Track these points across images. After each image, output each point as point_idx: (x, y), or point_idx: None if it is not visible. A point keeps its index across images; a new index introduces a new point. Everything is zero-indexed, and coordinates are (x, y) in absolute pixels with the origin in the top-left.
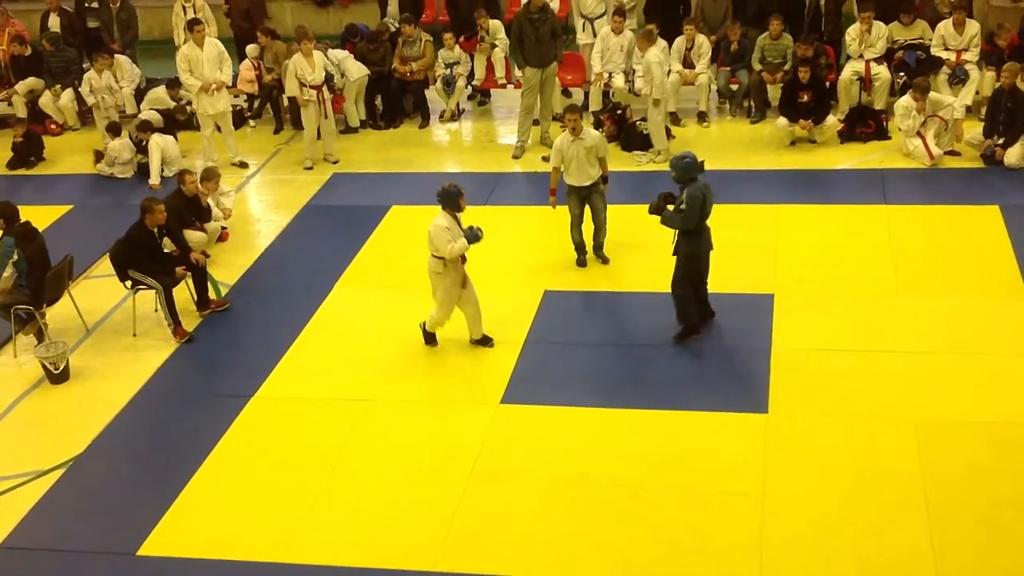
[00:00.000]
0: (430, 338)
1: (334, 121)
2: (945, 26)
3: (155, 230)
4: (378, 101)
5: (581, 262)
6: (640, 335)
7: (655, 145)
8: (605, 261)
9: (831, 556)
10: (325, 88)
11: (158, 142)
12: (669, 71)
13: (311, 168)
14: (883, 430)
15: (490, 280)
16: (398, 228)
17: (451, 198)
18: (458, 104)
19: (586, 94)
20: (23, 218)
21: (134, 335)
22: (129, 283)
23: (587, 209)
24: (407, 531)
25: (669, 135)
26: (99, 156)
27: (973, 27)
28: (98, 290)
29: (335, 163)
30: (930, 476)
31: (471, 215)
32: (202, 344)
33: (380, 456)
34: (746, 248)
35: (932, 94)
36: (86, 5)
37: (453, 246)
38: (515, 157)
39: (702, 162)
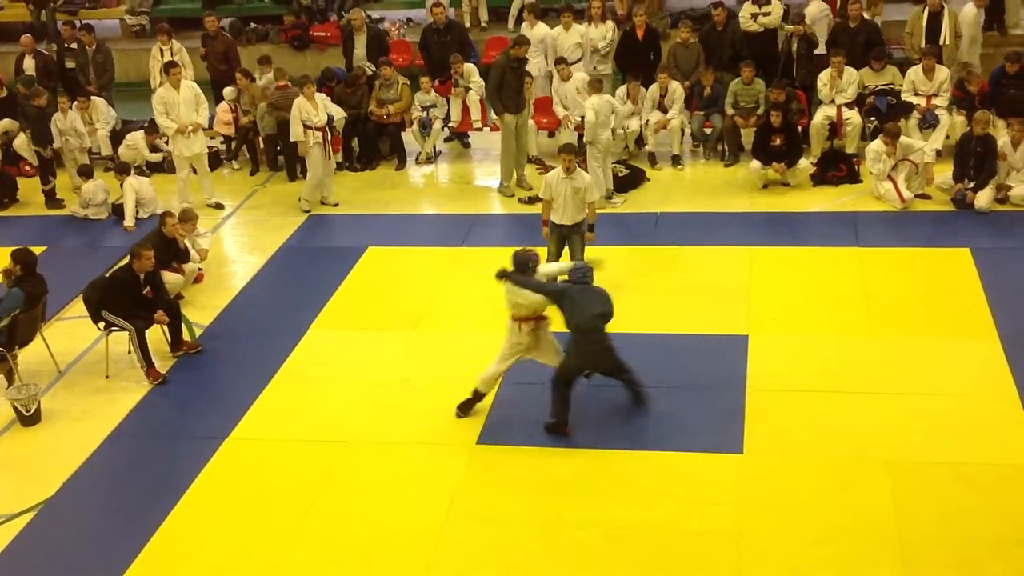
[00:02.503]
0: (467, 406)
1: (332, 164)
2: (915, 71)
3: (141, 276)
4: (355, 143)
5: None
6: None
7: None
8: None
9: None
10: (327, 129)
11: (133, 184)
12: (641, 117)
13: (309, 211)
14: (857, 471)
15: (466, 320)
16: (374, 269)
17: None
18: (435, 146)
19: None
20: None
21: (107, 377)
22: (102, 324)
23: (566, 250)
24: (383, 572)
25: (638, 178)
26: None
27: (943, 73)
28: (71, 332)
29: (335, 206)
30: (904, 517)
31: (450, 255)
32: (176, 385)
33: (355, 498)
34: (720, 290)
35: (903, 138)
36: (65, 47)
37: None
38: (509, 196)
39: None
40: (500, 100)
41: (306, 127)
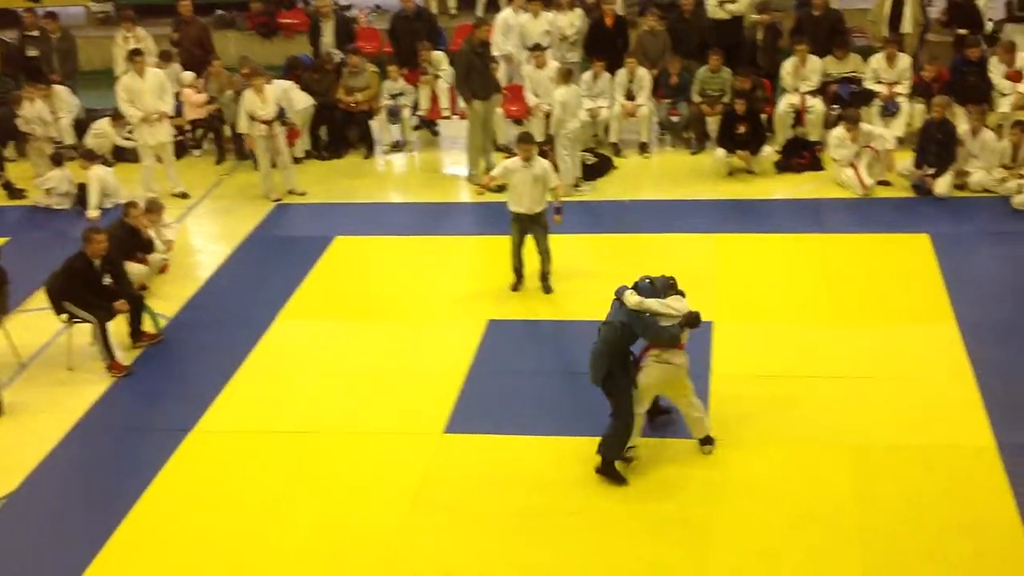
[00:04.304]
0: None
1: (288, 155)
2: (877, 60)
3: (96, 261)
4: (323, 131)
5: (516, 287)
6: (583, 364)
7: (562, 176)
8: (548, 291)
9: None
10: (276, 123)
11: (98, 173)
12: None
13: (278, 200)
14: (821, 454)
15: (433, 310)
16: (342, 259)
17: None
18: (402, 135)
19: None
20: None
21: (70, 369)
22: (64, 316)
23: (529, 239)
24: (351, 563)
25: (605, 166)
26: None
27: (904, 61)
28: (33, 324)
29: (303, 194)
30: (864, 500)
31: (418, 244)
32: (140, 377)
33: (323, 488)
34: (685, 276)
35: (865, 125)
36: (26, 35)
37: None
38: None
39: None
40: (468, 87)
41: (252, 119)
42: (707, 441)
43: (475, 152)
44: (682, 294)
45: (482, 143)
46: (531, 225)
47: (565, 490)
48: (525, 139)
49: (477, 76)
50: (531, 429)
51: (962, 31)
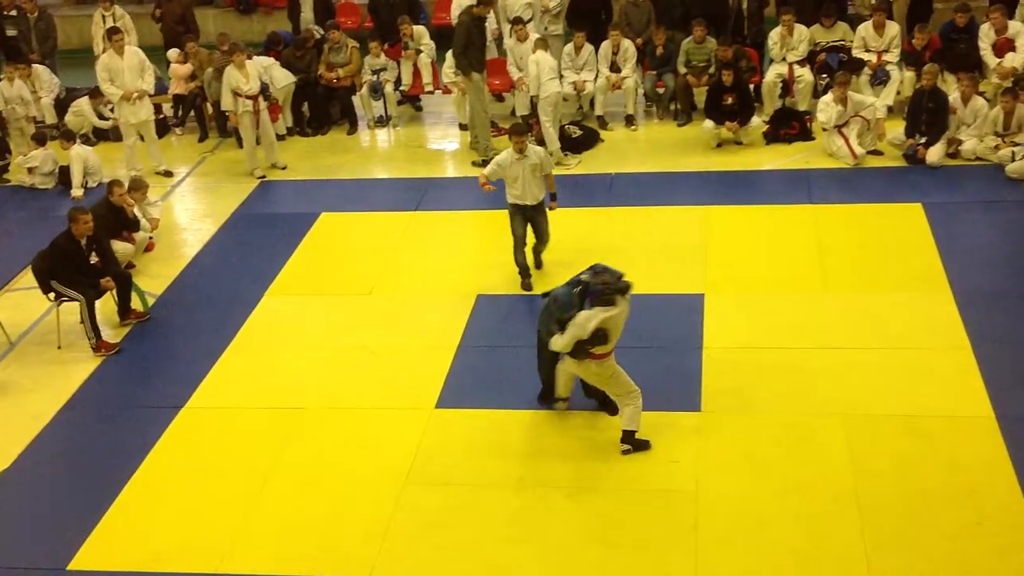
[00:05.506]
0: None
1: (272, 130)
2: (866, 28)
3: (82, 240)
4: (305, 108)
5: (526, 285)
6: None
7: (548, 146)
8: (539, 266)
9: (766, 550)
10: (260, 98)
11: (79, 152)
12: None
13: (263, 177)
14: (813, 425)
15: (422, 285)
16: (328, 235)
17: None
18: (385, 110)
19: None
20: None
21: (59, 347)
22: (52, 295)
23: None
24: (343, 539)
25: (592, 139)
26: None
27: (893, 28)
28: (21, 303)
29: (283, 168)
30: (860, 469)
31: (405, 220)
32: (130, 355)
33: (314, 464)
34: (676, 249)
35: (854, 95)
36: (3, 14)
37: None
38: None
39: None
40: (468, 60)
41: (237, 95)
42: (626, 438)
43: (484, 128)
44: (614, 299)
45: (486, 115)
46: (534, 213)
47: (557, 463)
48: (517, 131)
49: (474, 49)
50: (522, 403)
51: None
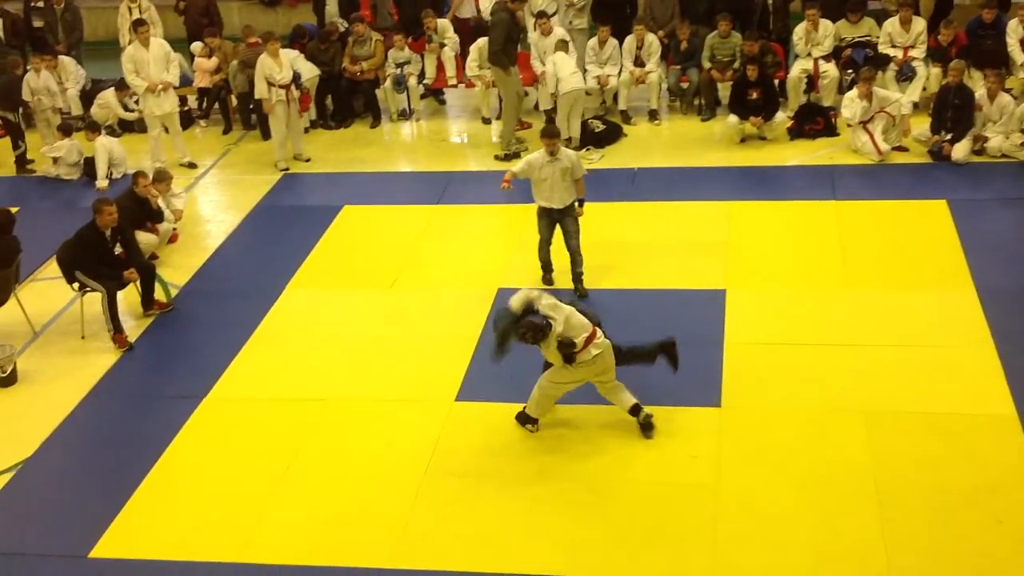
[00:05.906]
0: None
1: (300, 121)
2: (892, 23)
3: (106, 232)
4: (328, 101)
5: (547, 280)
6: None
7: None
8: (584, 295)
9: (785, 546)
10: (293, 87)
11: (104, 144)
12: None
13: (287, 169)
14: (834, 422)
15: (444, 278)
16: (350, 228)
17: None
18: (409, 104)
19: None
20: None
21: (83, 337)
22: (76, 285)
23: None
24: (362, 529)
25: (615, 134)
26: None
27: (919, 24)
28: (45, 293)
29: (307, 161)
30: (880, 466)
31: (427, 213)
32: (152, 346)
33: (334, 455)
34: (698, 244)
35: (880, 90)
36: (31, 5)
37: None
38: (517, 155)
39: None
40: (507, 55)
41: (270, 85)
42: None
43: (512, 121)
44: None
45: (518, 110)
46: (563, 217)
47: (576, 456)
48: (549, 133)
49: (511, 45)
50: None
51: None
